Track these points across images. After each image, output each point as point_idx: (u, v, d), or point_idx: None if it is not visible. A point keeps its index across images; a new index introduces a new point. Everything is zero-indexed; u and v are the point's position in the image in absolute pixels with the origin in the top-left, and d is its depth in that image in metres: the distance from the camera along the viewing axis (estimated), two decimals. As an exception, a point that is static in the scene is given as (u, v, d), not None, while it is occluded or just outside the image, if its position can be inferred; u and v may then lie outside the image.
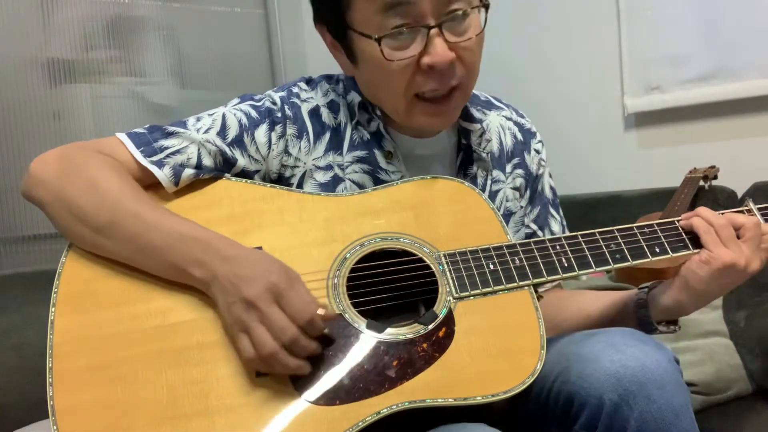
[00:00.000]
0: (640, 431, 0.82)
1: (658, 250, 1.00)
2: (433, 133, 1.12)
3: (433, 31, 0.96)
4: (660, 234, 1.01)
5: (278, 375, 0.85)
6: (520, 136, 1.20)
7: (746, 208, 1.05)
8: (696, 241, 1.00)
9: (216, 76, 2.24)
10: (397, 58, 0.97)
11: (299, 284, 0.87)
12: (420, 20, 0.95)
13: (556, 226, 1.21)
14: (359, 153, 1.07)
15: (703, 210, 1.01)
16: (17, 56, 1.81)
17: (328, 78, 1.13)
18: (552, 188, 1.23)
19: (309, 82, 1.12)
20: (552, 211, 1.22)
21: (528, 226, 1.19)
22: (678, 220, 1.03)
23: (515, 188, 1.17)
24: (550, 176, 1.24)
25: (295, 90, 1.09)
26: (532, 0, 2.37)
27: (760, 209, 1.05)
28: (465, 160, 1.12)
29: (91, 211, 0.90)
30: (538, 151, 1.21)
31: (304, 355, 0.84)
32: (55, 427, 0.80)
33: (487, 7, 1.00)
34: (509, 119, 1.21)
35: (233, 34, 2.32)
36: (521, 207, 1.18)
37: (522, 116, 1.23)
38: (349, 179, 1.06)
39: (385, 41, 0.96)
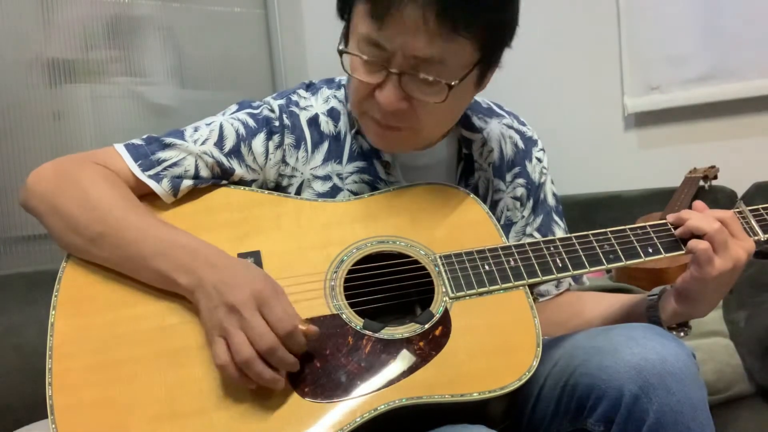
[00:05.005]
0: (659, 423, 0.82)
1: (651, 250, 1.01)
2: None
3: (393, 75, 0.93)
4: (653, 235, 1.02)
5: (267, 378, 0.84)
6: (521, 144, 1.18)
7: (737, 210, 1.04)
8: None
9: (216, 76, 2.24)
10: (357, 77, 0.95)
11: (284, 296, 0.86)
12: (386, 62, 0.92)
13: (559, 233, 1.19)
14: (359, 163, 1.07)
15: (695, 219, 0.98)
16: (17, 56, 1.81)
17: (329, 82, 1.12)
18: (555, 195, 1.22)
19: (309, 87, 1.11)
20: (556, 218, 1.20)
21: (531, 236, 1.17)
22: (673, 225, 1.02)
23: (515, 198, 1.16)
24: (552, 183, 1.22)
25: (294, 98, 1.08)
26: (531, 0, 2.37)
27: (752, 211, 1.05)
28: (466, 170, 1.12)
29: (83, 222, 0.91)
30: (539, 159, 1.19)
31: (281, 368, 0.83)
32: (53, 426, 0.81)
33: (450, 87, 0.93)
34: (510, 127, 1.19)
35: (233, 34, 2.32)
36: (523, 217, 1.17)
37: (523, 124, 1.21)
38: (348, 189, 1.06)
39: (355, 57, 0.94)
